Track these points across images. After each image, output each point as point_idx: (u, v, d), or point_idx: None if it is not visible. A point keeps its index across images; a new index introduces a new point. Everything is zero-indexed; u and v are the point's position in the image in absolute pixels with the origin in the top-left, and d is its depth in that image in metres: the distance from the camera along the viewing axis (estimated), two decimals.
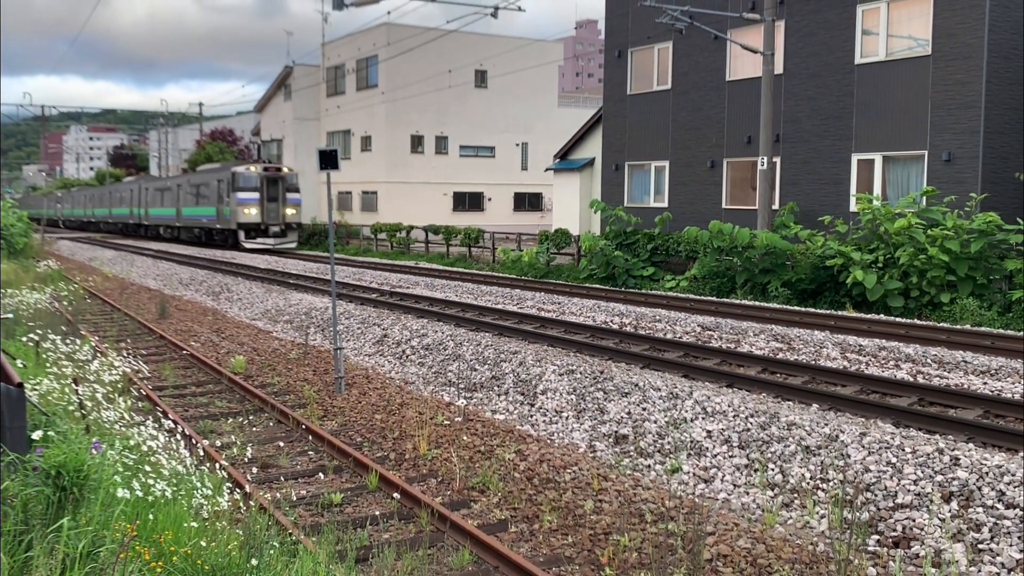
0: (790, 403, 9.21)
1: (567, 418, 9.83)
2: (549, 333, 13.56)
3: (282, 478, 8.07)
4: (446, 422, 9.86)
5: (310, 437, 9.29)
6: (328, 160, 11.39)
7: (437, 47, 46.03)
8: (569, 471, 8.18)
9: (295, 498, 7.45)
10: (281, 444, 9.13)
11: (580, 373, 10.66)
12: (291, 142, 55.46)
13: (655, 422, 9.03)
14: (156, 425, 7.29)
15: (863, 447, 7.52)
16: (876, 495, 6.92)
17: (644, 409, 9.35)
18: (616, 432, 9.17)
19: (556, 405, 10.17)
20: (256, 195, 39.12)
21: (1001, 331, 13.80)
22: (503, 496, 7.62)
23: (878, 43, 23.71)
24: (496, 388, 11.15)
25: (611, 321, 14.84)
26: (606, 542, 6.63)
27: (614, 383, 10.11)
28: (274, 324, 17.47)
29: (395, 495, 7.37)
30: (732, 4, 25.93)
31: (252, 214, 38.99)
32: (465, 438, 9.22)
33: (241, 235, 38.97)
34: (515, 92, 49.72)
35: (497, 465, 8.33)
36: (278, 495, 7.46)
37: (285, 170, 40.98)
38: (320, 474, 8.19)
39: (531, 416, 10.14)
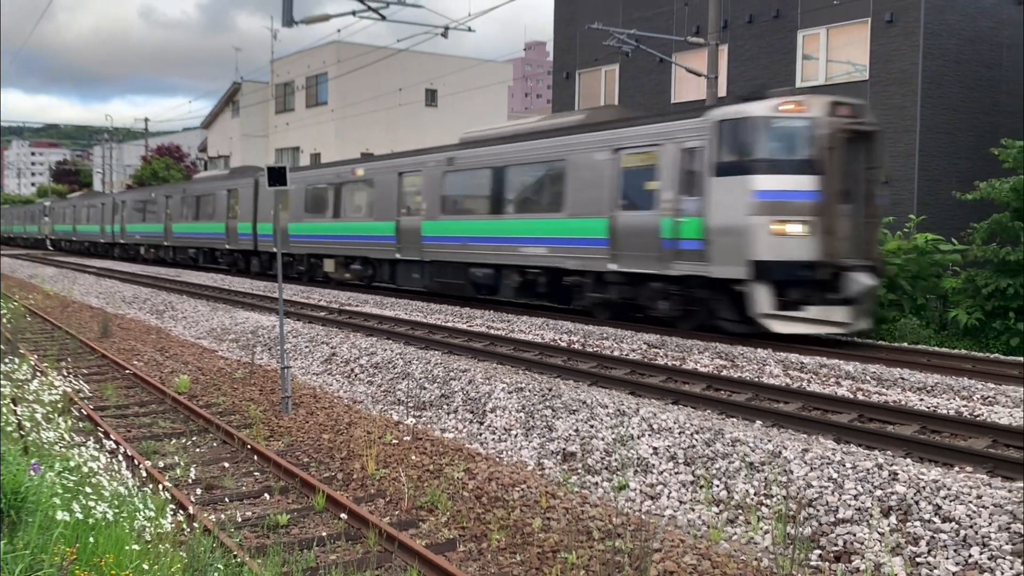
0: (734, 420, 9.32)
1: (516, 436, 9.82)
2: (499, 351, 13.56)
3: (227, 499, 7.93)
4: (395, 441, 9.78)
5: (256, 457, 9.15)
6: (277, 177, 11.29)
7: (387, 65, 46.03)
8: (518, 489, 8.17)
9: (240, 519, 7.32)
10: (226, 465, 8.98)
11: (529, 391, 10.67)
12: (239, 159, 54.89)
13: (602, 439, 9.06)
14: (97, 446, 7.13)
15: (805, 463, 7.63)
16: (818, 510, 7.02)
17: (592, 426, 9.38)
18: (564, 449, 9.19)
19: (505, 423, 10.16)
20: None
21: (937, 348, 14.14)
22: (452, 515, 7.58)
23: (818, 68, 24.24)
24: (445, 406, 11.11)
25: (560, 339, 14.89)
26: (554, 560, 6.62)
27: (562, 400, 10.13)
28: (220, 343, 17.21)
29: (342, 515, 7.29)
30: (677, 28, 26.34)
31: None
32: (414, 457, 9.16)
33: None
34: (465, 111, 49.89)
35: (446, 484, 8.29)
36: (223, 516, 7.33)
37: None
38: (266, 495, 8.07)
39: (480, 434, 10.11)
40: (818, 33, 24.05)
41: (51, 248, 61.13)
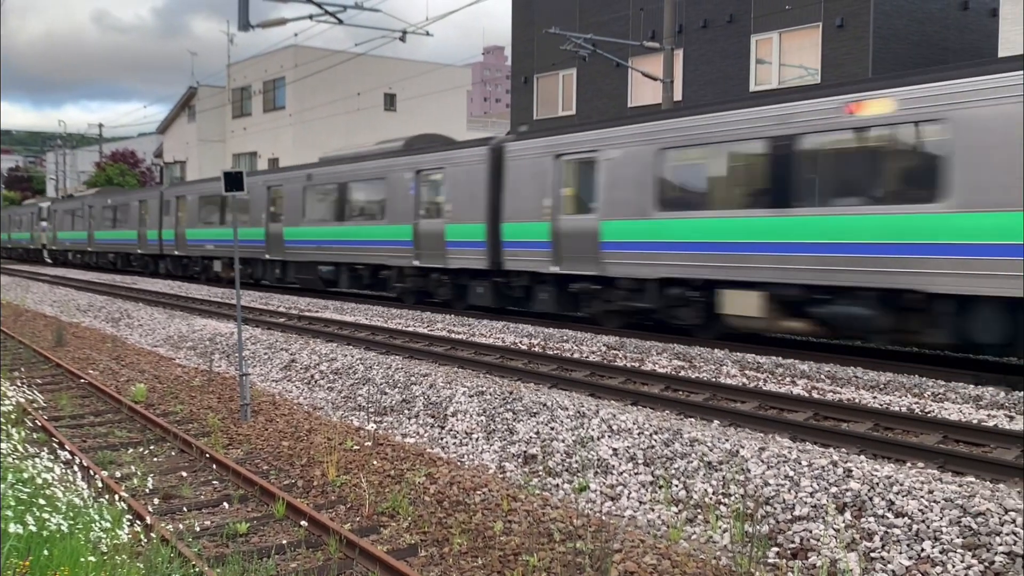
0: (692, 420, 9.40)
1: (477, 439, 9.82)
2: (460, 355, 13.55)
3: (185, 509, 7.82)
4: (355, 447, 9.73)
5: (215, 466, 9.04)
6: (233, 182, 11.18)
7: (345, 70, 45.79)
8: (479, 493, 8.16)
9: (199, 529, 7.23)
10: (184, 474, 8.86)
11: (490, 394, 10.67)
12: (195, 164, 54.26)
13: (563, 441, 9.09)
14: (52, 457, 7.00)
15: (762, 461, 7.71)
16: (775, 508, 7.10)
17: (552, 428, 9.41)
18: (525, 452, 9.20)
19: (466, 427, 10.15)
20: None
21: (888, 347, 14.38)
22: (413, 520, 7.55)
23: (771, 72, 24.56)
24: (407, 411, 11.07)
25: (520, 342, 14.91)
26: (516, 563, 6.62)
27: (523, 403, 10.14)
28: (177, 351, 16.99)
29: (303, 523, 7.23)
30: (633, 33, 26.53)
31: None
32: (375, 463, 9.11)
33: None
34: (424, 115, 49.77)
35: (407, 489, 8.25)
36: (181, 526, 7.23)
37: None
38: (225, 504, 7.97)
39: (441, 439, 10.09)
40: (771, 37, 24.37)
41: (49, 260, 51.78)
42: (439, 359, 13.41)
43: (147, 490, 8.15)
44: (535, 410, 9.90)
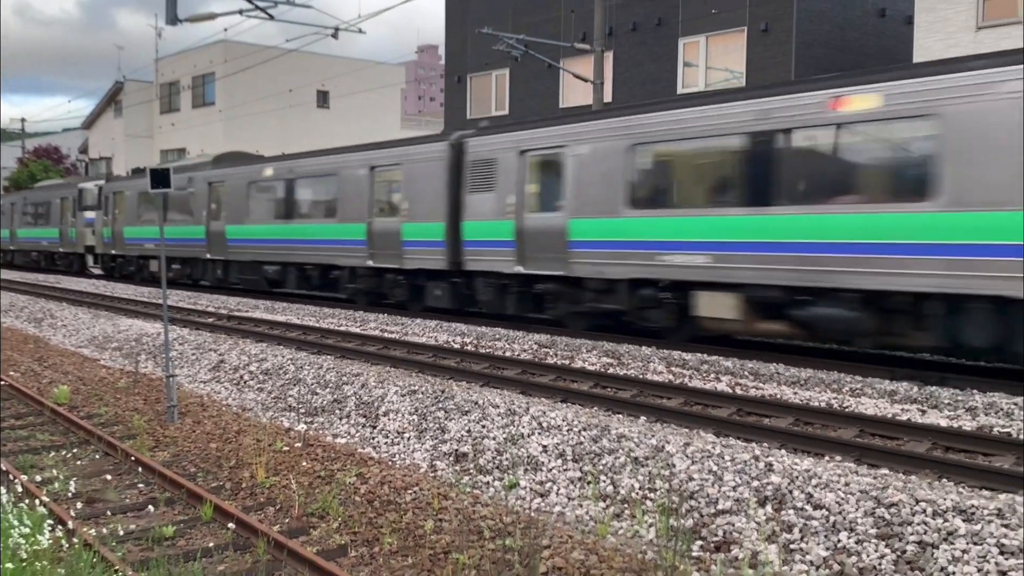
0: (620, 416, 9.52)
1: (409, 439, 9.79)
2: (392, 354, 13.48)
3: (109, 512, 7.65)
4: (285, 448, 9.62)
5: (140, 469, 8.85)
6: (160, 179, 10.95)
7: (277, 66, 45.14)
8: (410, 492, 8.14)
9: (123, 533, 7.07)
10: (109, 477, 8.66)
11: (422, 393, 10.65)
12: (122, 160, 52.94)
13: (494, 439, 9.12)
14: None
15: (687, 456, 7.85)
16: (699, 502, 7.23)
17: (483, 426, 9.43)
18: (457, 450, 9.21)
19: (398, 426, 10.11)
20: None
21: (809, 344, 14.73)
22: (344, 520, 7.50)
23: (698, 74, 24.94)
24: (338, 411, 10.98)
25: (453, 340, 14.90)
26: (446, 561, 6.63)
27: (455, 402, 10.15)
28: (102, 352, 16.57)
29: (230, 525, 7.13)
30: (565, 34, 26.71)
31: None
32: (305, 464, 9.02)
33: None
34: (358, 113, 49.34)
35: (338, 489, 8.20)
36: (105, 531, 7.07)
37: None
38: (151, 507, 7.82)
39: (373, 438, 10.04)
40: (698, 41, 24.77)
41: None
42: (371, 358, 13.33)
43: (69, 494, 7.94)
44: (467, 408, 9.91)
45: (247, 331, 16.52)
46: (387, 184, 20.00)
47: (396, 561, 6.73)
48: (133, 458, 9.09)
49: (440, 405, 10.18)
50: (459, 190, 17.73)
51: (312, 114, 49.35)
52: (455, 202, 17.77)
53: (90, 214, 34.61)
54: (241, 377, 13.14)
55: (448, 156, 17.96)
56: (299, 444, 9.76)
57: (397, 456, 9.45)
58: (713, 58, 24.58)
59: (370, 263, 19.95)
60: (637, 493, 7.63)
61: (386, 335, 15.68)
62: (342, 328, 16.68)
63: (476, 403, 9.96)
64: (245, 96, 46.88)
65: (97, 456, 9.55)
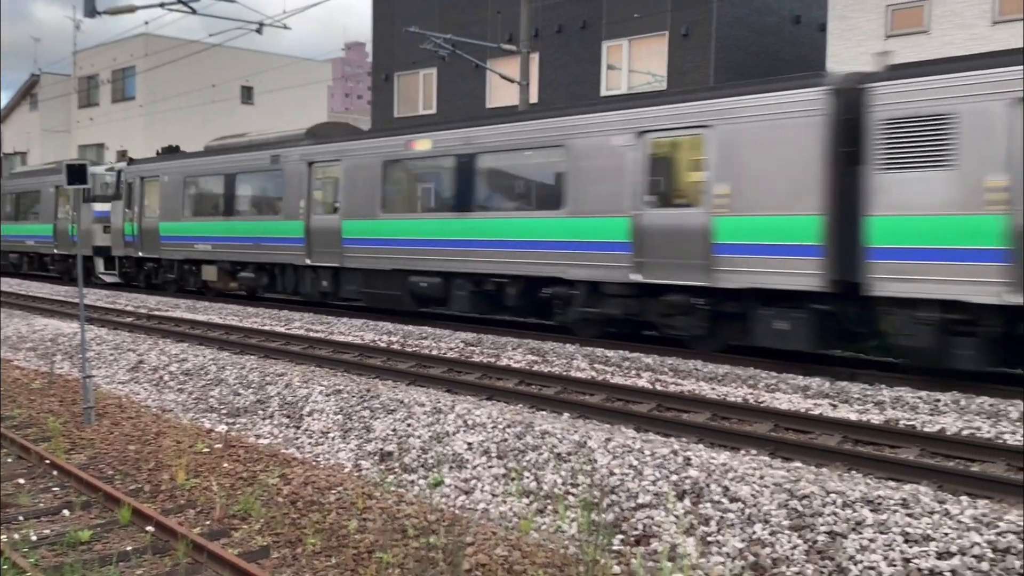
0: (544, 412, 9.58)
1: (334, 438, 9.69)
2: (317, 353, 13.32)
3: (22, 518, 7.38)
4: (206, 449, 9.42)
5: (55, 472, 8.56)
6: (77, 175, 10.62)
7: (200, 61, 44.13)
8: (334, 492, 8.06)
9: (36, 538, 6.84)
10: (22, 481, 8.36)
11: (347, 392, 10.55)
12: (38, 155, 51.16)
13: (419, 437, 9.09)
14: None
15: (609, 452, 7.94)
16: (620, 497, 7.32)
17: (409, 425, 9.39)
18: (382, 449, 9.15)
19: (323, 426, 9.99)
20: None
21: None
22: (266, 522, 7.38)
23: (621, 77, 25.22)
24: (261, 412, 10.80)
25: (379, 339, 14.79)
26: (369, 560, 6.58)
27: (380, 401, 10.08)
28: (15, 352, 15.98)
29: (149, 528, 6.95)
30: (491, 35, 26.73)
31: None
32: (227, 465, 8.85)
33: None
34: (283, 110, 48.56)
35: (260, 491, 8.06)
36: (16, 536, 6.82)
37: None
38: (66, 511, 7.57)
39: (297, 439, 9.90)
40: (621, 44, 25.05)
41: None
42: (296, 358, 13.15)
43: None
44: (392, 407, 9.85)
45: (167, 331, 16.13)
46: (680, 160, 13.29)
47: (319, 562, 6.65)
48: (48, 461, 8.79)
49: (365, 404, 10.10)
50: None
51: (236, 110, 48.40)
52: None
53: (101, 206, 27.17)
54: (161, 378, 12.83)
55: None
56: (220, 445, 9.58)
57: (321, 456, 9.34)
58: (636, 61, 24.89)
59: (637, 277, 13.25)
60: (560, 489, 7.69)
61: (311, 334, 15.48)
62: (266, 328, 16.41)
63: (402, 402, 9.91)
64: (167, 91, 45.73)
65: (10, 460, 9.21)
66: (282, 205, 20.07)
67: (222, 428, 10.46)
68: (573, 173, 14.16)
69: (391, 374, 11.70)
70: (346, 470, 8.88)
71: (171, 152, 26.33)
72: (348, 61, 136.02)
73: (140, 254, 25.41)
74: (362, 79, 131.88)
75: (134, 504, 7.39)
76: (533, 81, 24.79)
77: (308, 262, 19.31)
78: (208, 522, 7.42)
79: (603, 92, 25.10)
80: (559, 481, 7.78)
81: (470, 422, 9.10)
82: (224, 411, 11.10)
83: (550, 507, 7.54)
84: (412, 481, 8.43)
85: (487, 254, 15.61)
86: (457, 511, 7.69)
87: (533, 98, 24.43)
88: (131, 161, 26.99)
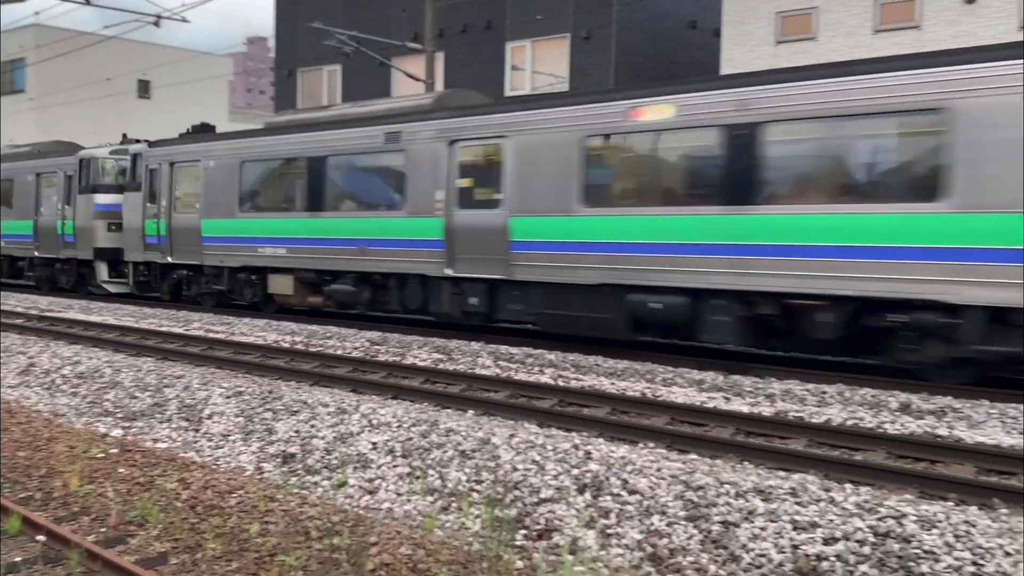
0: (449, 410, 9.58)
1: (235, 441, 9.47)
2: (217, 355, 12.99)
3: None
4: (101, 455, 9.08)
5: None
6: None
7: (95, 53, 42.45)
8: (235, 495, 7.88)
9: None
10: None
11: (249, 394, 10.33)
12: None
13: (323, 438, 8.97)
14: None
15: (512, 448, 7.99)
16: (523, 492, 7.38)
17: (313, 426, 9.26)
18: (284, 451, 8.99)
19: (223, 428, 9.76)
20: None
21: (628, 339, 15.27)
22: (164, 527, 7.17)
23: (524, 78, 25.39)
24: (158, 415, 10.48)
25: (283, 340, 14.53)
26: (272, 563, 6.46)
27: (283, 402, 9.91)
28: None
29: (40, 537, 6.67)
30: (396, 32, 26.53)
31: None
32: (123, 470, 8.56)
33: None
34: (182, 104, 47.13)
35: (158, 496, 7.82)
36: None
37: None
38: None
39: (196, 442, 9.64)
40: (525, 45, 25.20)
41: None
42: (195, 360, 12.80)
43: None
44: (295, 408, 9.70)
45: (60, 332, 15.49)
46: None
47: (220, 566, 6.50)
48: None
49: (267, 406, 9.91)
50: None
51: (132, 104, 46.76)
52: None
53: (105, 198, 22.31)
54: (53, 381, 12.31)
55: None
56: (116, 450, 9.25)
57: (222, 459, 9.13)
58: (539, 62, 25.07)
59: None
60: (464, 486, 7.70)
61: (211, 335, 15.10)
62: (163, 329, 15.93)
63: (305, 403, 9.76)
64: (59, 84, 43.85)
65: None
66: (405, 197, 15.33)
67: (118, 432, 10.10)
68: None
69: (294, 375, 11.52)
70: (247, 473, 8.70)
71: (204, 131, 21.16)
72: (250, 56, 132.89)
73: (169, 259, 19.90)
74: (264, 74, 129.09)
75: (24, 513, 7.08)
76: (439, 80, 24.72)
77: (448, 272, 14.66)
78: (103, 529, 7.17)
79: (508, 92, 25.21)
80: (463, 478, 7.80)
81: (375, 422, 9.03)
82: (120, 415, 10.73)
83: (454, 505, 7.55)
84: (316, 482, 8.32)
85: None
86: (361, 511, 7.62)
87: None
88: (155, 143, 21.26)
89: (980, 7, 18.64)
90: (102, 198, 22.41)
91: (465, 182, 14.69)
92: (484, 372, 11.44)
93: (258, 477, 8.58)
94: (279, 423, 9.49)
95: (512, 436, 8.21)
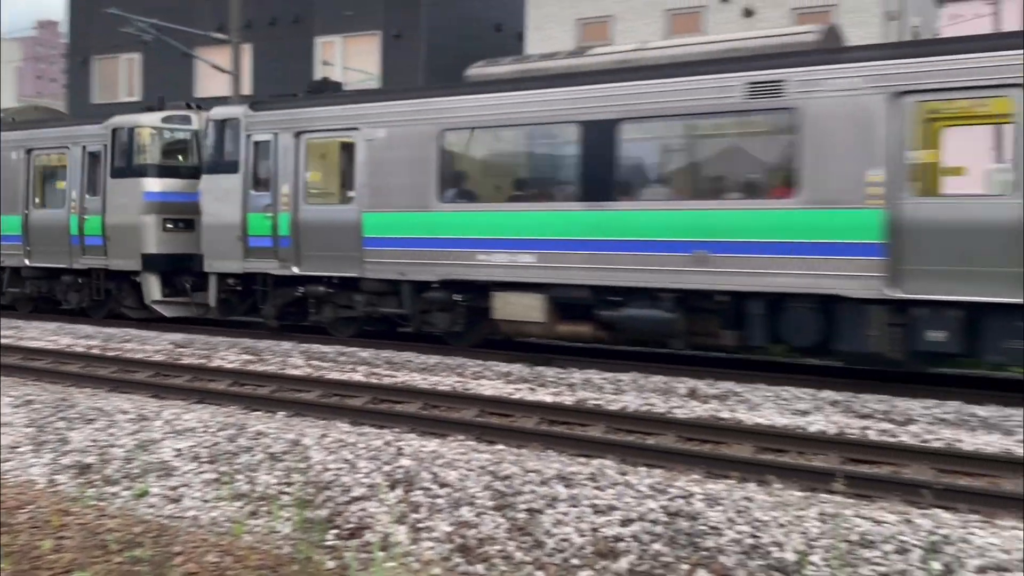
0: (259, 412, 9.28)
1: (24, 453, 8.75)
2: (4, 361, 11.94)
3: None
4: None
5: None
6: None
7: None
8: (25, 511, 7.29)
9: None
10: None
11: (39, 403, 9.59)
12: None
13: (122, 447, 8.46)
14: None
15: (324, 448, 7.85)
16: (335, 492, 7.26)
17: (111, 434, 8.71)
18: (80, 462, 8.40)
19: (11, 440, 8.99)
20: None
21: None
22: None
23: (335, 74, 24.96)
24: None
25: (77, 344, 13.55)
26: None
27: (78, 410, 9.26)
28: None
29: None
30: (200, 22, 25.31)
31: None
32: None
33: None
34: None
35: None
36: None
37: None
38: None
39: None
40: (334, 41, 24.76)
41: None
42: None
43: None
44: (91, 416, 9.08)
45: None
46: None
47: None
48: None
49: (60, 415, 9.23)
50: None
51: None
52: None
53: (157, 184, 15.92)
54: None
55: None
56: None
57: (10, 473, 8.41)
58: (350, 59, 24.71)
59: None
60: (274, 489, 7.49)
61: None
62: None
63: (102, 410, 9.17)
64: None
65: None
66: (799, 179, 10.36)
67: None
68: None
69: (90, 381, 10.78)
70: (39, 486, 8.07)
71: (323, 88, 15.69)
72: (40, 41, 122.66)
73: (296, 270, 13.88)
74: (56, 61, 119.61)
75: None
76: (246, 72, 23.81)
77: (891, 294, 9.79)
78: None
79: None
80: (273, 481, 7.58)
81: (179, 427, 8.60)
82: None
83: (264, 509, 7.33)
84: (115, 493, 7.83)
85: None
86: (165, 521, 7.25)
87: (246, 90, 23.48)
88: (263, 103, 15.19)
89: (757, 20, 20.04)
90: (154, 184, 15.79)
91: (925, 155, 10.43)
92: (295, 372, 11.16)
93: (51, 491, 7.97)
94: (73, 432, 8.86)
95: (324, 436, 8.07)
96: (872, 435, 8.18)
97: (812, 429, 8.42)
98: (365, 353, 12.27)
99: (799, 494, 6.56)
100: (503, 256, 11.97)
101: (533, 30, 21.96)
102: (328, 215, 13.67)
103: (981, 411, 9.03)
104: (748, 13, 20.11)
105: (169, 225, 15.74)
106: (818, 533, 5.78)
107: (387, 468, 7.39)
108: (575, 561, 5.94)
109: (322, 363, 11.75)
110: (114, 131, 16.17)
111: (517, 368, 11.40)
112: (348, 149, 13.83)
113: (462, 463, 7.32)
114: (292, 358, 12.01)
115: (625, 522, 6.28)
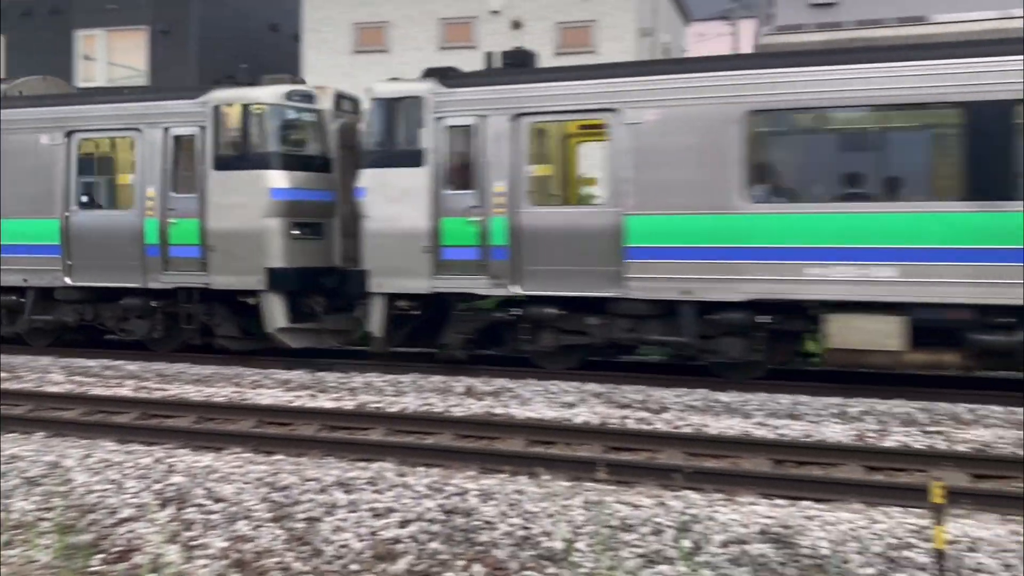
0: (13, 434, 8.49)
1: None
2: None
3: None
4: None
5: None
6: None
7: None
8: None
9: None
10: None
11: None
12: None
13: None
14: None
15: (87, 469, 7.34)
16: (100, 515, 6.80)
17: None
18: None
19: None
20: None
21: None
22: None
23: (98, 69, 23.35)
24: None
25: None
26: None
27: None
28: None
29: None
30: None
31: None
32: None
33: None
34: None
35: None
36: None
37: None
38: None
39: None
40: (96, 35, 23.09)
41: None
42: None
43: None
44: None
45: None
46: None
47: None
48: None
49: None
50: None
51: None
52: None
53: (285, 179, 12.12)
54: None
55: None
56: None
57: None
58: (115, 54, 23.13)
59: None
60: (31, 516, 6.90)
61: None
62: None
63: None
64: None
65: None
66: None
67: None
68: None
69: None
70: None
71: (523, 59, 12.22)
72: None
73: (514, 289, 11.05)
74: None
75: None
76: (1, 66, 21.68)
77: None
78: None
79: (79, 84, 22.88)
80: (30, 508, 6.98)
81: None
82: None
83: (20, 537, 6.73)
84: None
85: None
86: None
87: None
88: (459, 78, 11.68)
89: (525, 32, 20.75)
90: (281, 178, 12.09)
91: None
92: (55, 389, 10.31)
93: None
94: None
95: (87, 456, 7.54)
96: (631, 423, 8.73)
97: (577, 421, 8.86)
98: (133, 366, 11.53)
99: (566, 484, 6.89)
100: (848, 269, 9.70)
101: (310, 32, 21.53)
102: (564, 219, 11.02)
103: (724, 397, 9.87)
104: (516, 25, 20.80)
105: (296, 232, 12.10)
106: (583, 521, 6.11)
107: (157, 486, 7.02)
108: (354, 567, 5.92)
109: (85, 378, 10.92)
110: (217, 109, 12.33)
111: (297, 375, 11.16)
112: (594, 134, 11.60)
113: (238, 476, 7.08)
114: (51, 374, 11.08)
115: (403, 523, 6.33)
